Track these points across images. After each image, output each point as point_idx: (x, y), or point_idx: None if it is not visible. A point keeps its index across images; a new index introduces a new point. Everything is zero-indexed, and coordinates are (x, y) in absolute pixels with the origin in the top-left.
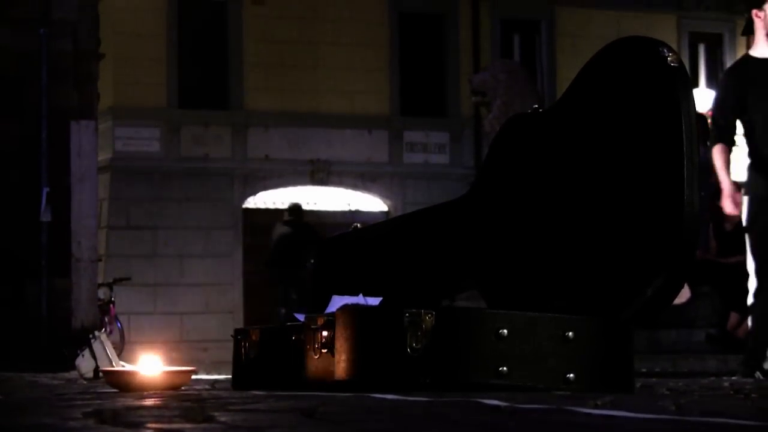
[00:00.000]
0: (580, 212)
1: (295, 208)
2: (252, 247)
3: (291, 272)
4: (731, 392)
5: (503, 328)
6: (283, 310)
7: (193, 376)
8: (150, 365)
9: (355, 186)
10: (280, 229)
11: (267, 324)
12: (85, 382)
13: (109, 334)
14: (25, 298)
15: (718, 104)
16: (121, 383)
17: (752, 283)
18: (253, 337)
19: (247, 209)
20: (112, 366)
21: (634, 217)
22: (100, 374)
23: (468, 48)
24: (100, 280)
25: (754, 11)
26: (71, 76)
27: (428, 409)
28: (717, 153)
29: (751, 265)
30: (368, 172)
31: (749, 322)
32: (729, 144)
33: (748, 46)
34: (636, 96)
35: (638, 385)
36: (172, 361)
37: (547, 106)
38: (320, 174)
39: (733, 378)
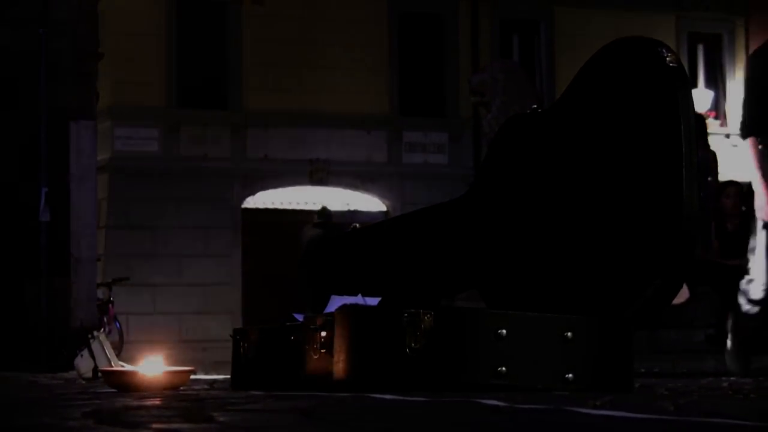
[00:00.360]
0: (580, 212)
1: (324, 211)
2: (251, 247)
3: None
4: (730, 392)
5: (502, 328)
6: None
7: (192, 376)
8: (149, 365)
9: (354, 186)
10: (311, 232)
11: (267, 324)
12: (84, 382)
13: (108, 334)
14: (24, 298)
15: (745, 96)
16: (120, 383)
17: (760, 284)
18: (252, 337)
19: (246, 209)
20: (111, 366)
21: (633, 217)
22: (99, 374)
23: (467, 48)
24: (99, 280)
25: None
26: (70, 76)
27: (427, 409)
28: (750, 147)
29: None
30: (367, 172)
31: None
32: (760, 136)
33: (748, 45)
34: (635, 96)
35: (637, 385)
36: (170, 361)
37: (546, 106)
38: (319, 174)
39: (732, 378)
